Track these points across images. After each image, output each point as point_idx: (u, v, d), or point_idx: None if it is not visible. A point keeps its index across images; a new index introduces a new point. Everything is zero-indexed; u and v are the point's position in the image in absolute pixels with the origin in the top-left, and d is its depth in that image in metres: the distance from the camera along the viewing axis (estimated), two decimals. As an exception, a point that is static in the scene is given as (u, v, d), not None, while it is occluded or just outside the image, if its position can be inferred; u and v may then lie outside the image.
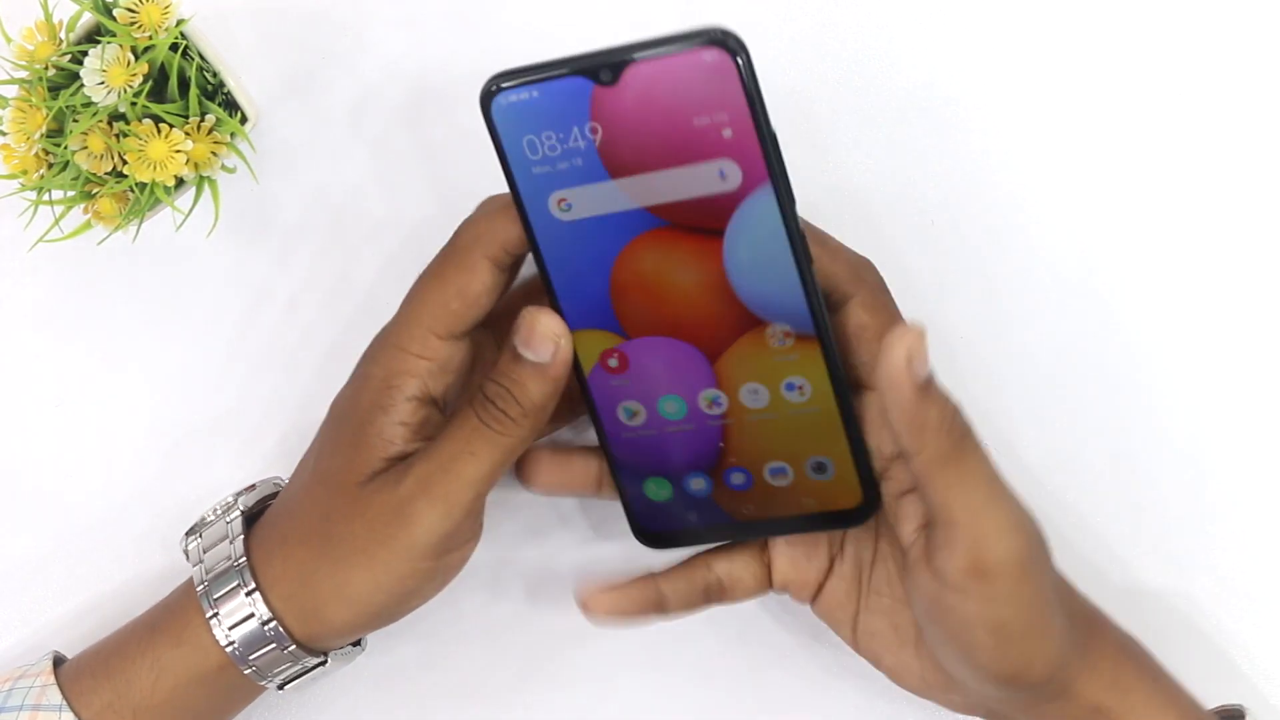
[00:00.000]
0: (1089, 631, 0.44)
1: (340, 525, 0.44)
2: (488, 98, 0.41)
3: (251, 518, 0.48)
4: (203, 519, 0.48)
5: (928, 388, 0.39)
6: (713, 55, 0.38)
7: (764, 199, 0.40)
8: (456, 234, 0.44)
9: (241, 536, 0.46)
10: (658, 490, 0.46)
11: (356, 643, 0.49)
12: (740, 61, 0.38)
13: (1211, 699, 0.45)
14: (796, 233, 0.41)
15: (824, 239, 0.44)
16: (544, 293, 0.43)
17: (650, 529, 0.47)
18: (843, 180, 0.51)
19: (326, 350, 0.52)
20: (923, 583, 0.42)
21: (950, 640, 0.42)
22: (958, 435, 0.40)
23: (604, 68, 0.39)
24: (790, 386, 0.43)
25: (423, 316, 0.44)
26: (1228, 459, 0.51)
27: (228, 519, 0.47)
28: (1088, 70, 0.51)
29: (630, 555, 0.52)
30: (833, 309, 0.43)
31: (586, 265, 0.42)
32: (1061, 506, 0.51)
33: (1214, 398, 0.51)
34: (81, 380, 0.53)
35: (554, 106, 0.40)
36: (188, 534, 0.48)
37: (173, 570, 0.52)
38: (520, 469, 0.47)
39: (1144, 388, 0.51)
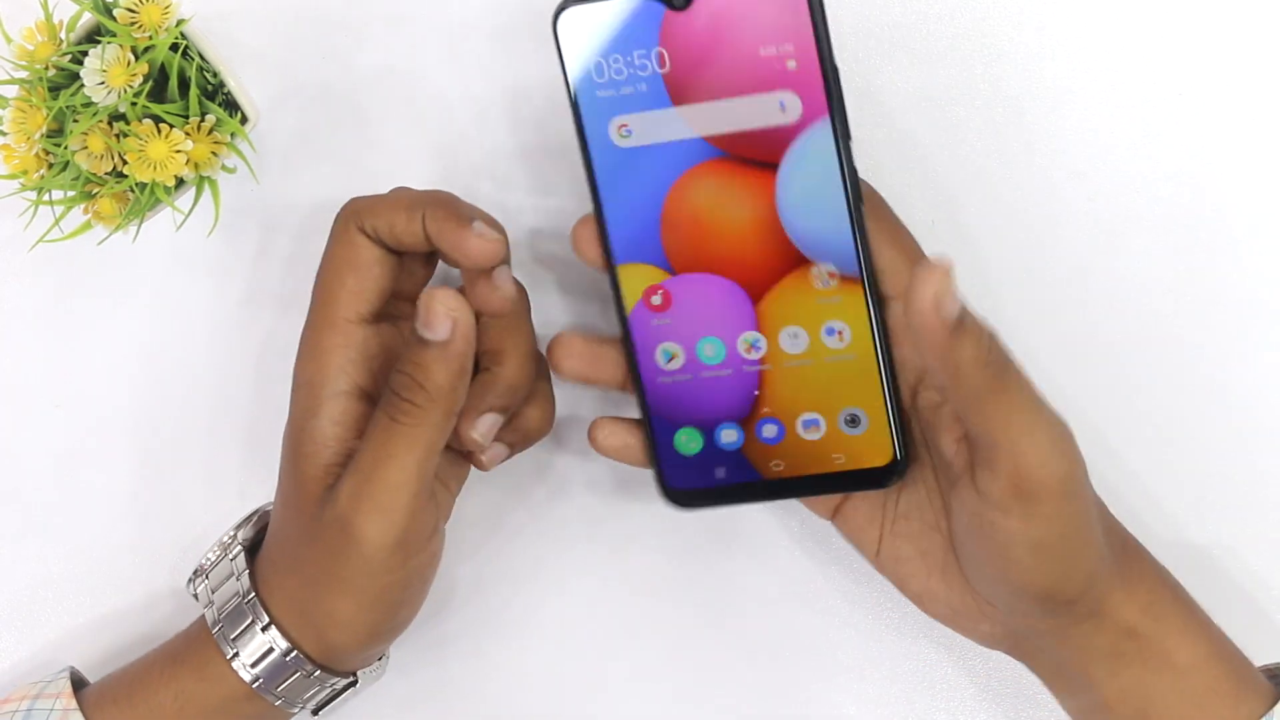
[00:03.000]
0: (1125, 556, 0.44)
1: (305, 551, 0.44)
2: (559, 15, 0.42)
3: (254, 548, 0.48)
4: (206, 561, 0.48)
5: (960, 326, 0.38)
6: None
7: (821, 133, 0.41)
8: (332, 224, 0.45)
9: (247, 572, 0.46)
10: (688, 443, 0.45)
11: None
12: None
13: (1253, 655, 0.45)
14: (850, 169, 0.42)
15: None
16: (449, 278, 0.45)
17: (677, 486, 0.46)
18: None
19: (327, 350, 0.52)
20: (966, 498, 0.42)
21: (989, 556, 0.42)
22: (996, 368, 0.39)
23: None
24: (830, 331, 0.43)
25: (325, 305, 0.44)
26: (1272, 413, 0.51)
27: (230, 555, 0.47)
28: (1089, 69, 0.51)
29: (653, 571, 0.52)
30: None
31: (640, 195, 0.43)
32: (1116, 465, 0.51)
33: (1254, 351, 0.51)
34: (81, 381, 0.53)
35: (624, 29, 0.41)
36: (193, 578, 0.48)
37: (174, 571, 0.52)
38: (551, 353, 0.46)
39: (1186, 350, 0.51)
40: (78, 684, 0.48)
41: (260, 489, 0.52)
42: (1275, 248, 0.51)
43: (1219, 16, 0.51)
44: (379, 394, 0.44)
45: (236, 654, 0.45)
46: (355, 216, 0.44)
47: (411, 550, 0.43)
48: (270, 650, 0.45)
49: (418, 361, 0.42)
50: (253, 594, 0.45)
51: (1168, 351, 0.51)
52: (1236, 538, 0.51)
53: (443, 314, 0.41)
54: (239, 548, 0.47)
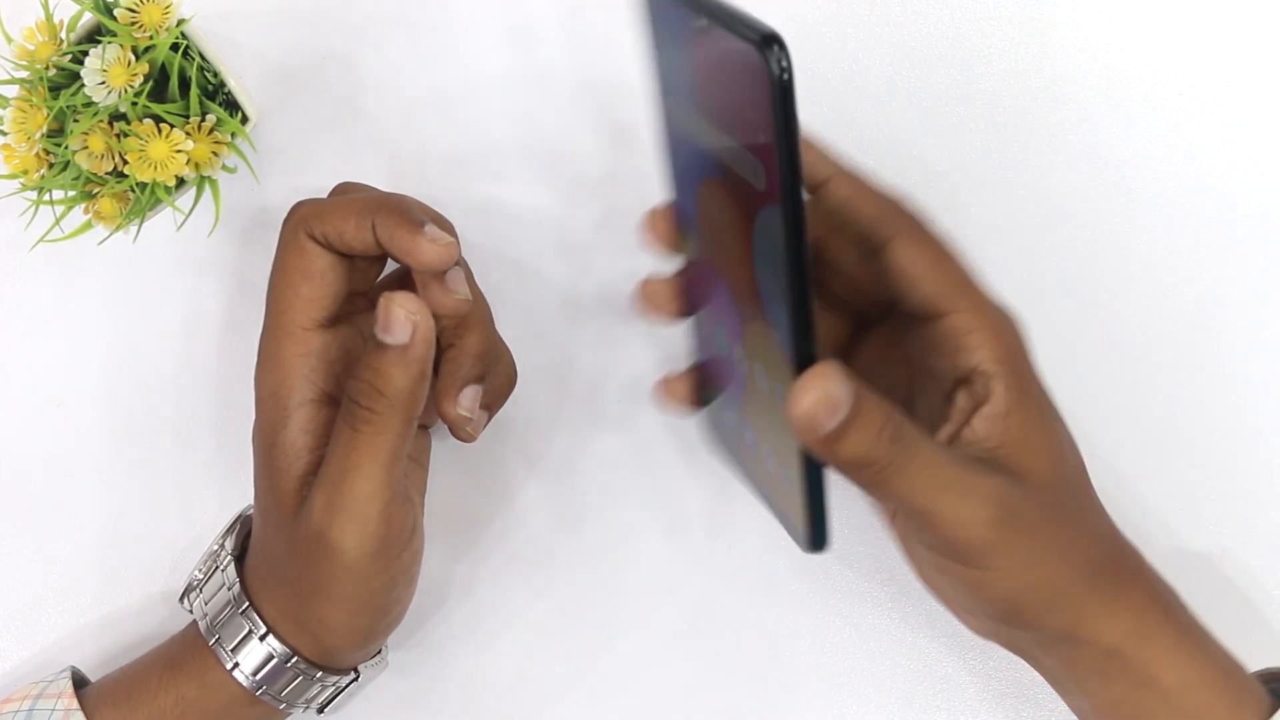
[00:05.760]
0: (1112, 576, 0.42)
1: (289, 567, 0.44)
2: None
3: (241, 553, 0.47)
4: (195, 578, 0.48)
5: (844, 429, 0.36)
6: (751, 56, 0.34)
7: (774, 218, 0.36)
8: (280, 231, 0.44)
9: (239, 583, 0.46)
10: (711, 400, 0.44)
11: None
12: (772, 74, 0.33)
13: (1254, 663, 0.45)
14: (798, 265, 0.36)
15: (854, 178, 0.41)
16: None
17: (706, 433, 0.45)
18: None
19: (327, 350, 0.52)
20: (914, 551, 0.43)
21: (944, 591, 0.43)
22: (895, 443, 0.37)
23: (702, 11, 0.36)
24: (780, 394, 0.39)
25: (282, 315, 0.44)
26: (1273, 419, 0.51)
27: (221, 566, 0.47)
28: (1088, 67, 0.51)
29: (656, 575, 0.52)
30: (872, 253, 0.41)
31: (686, 174, 0.41)
32: (1111, 471, 0.51)
33: (1258, 357, 0.51)
34: (82, 381, 0.53)
35: (672, 22, 0.38)
36: (185, 593, 0.48)
37: (174, 572, 0.52)
38: (641, 293, 0.44)
39: (1182, 353, 0.51)
40: (79, 683, 0.48)
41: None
42: (1272, 251, 0.51)
43: (1222, 16, 0.51)
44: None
45: (237, 664, 0.45)
46: (304, 223, 0.43)
47: (392, 554, 0.43)
48: (270, 657, 0.45)
49: (376, 367, 0.41)
50: (247, 603, 0.45)
51: (1164, 353, 0.51)
52: (1232, 541, 0.51)
53: (403, 318, 0.41)
54: (229, 558, 0.47)
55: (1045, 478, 0.40)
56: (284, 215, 0.51)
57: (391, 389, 0.41)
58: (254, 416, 0.45)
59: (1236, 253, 0.51)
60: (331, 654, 0.45)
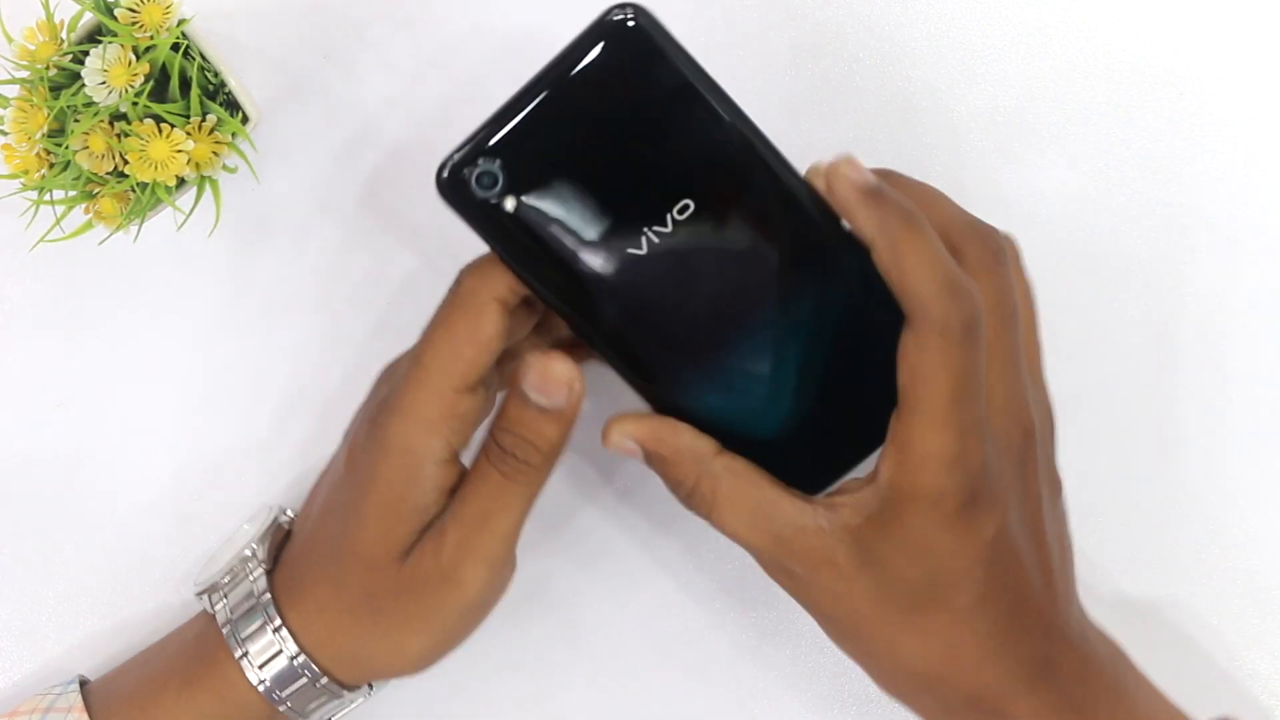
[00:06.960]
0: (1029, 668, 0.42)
1: (388, 601, 0.44)
2: None
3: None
4: (218, 582, 0.47)
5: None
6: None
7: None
8: (459, 280, 0.42)
9: (269, 595, 0.45)
10: None
11: None
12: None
13: (1206, 709, 0.45)
14: None
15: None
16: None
17: None
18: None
19: (327, 351, 0.52)
20: None
21: None
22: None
23: None
24: None
25: (436, 373, 0.42)
26: (1227, 465, 0.51)
27: (250, 575, 0.46)
28: (1085, 67, 0.51)
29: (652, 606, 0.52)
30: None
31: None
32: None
33: (1219, 401, 0.51)
34: (82, 382, 0.52)
35: None
36: (208, 592, 0.47)
37: (180, 575, 0.52)
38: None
39: (1145, 390, 0.51)
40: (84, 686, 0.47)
41: (265, 489, 0.52)
42: (1245, 282, 0.51)
43: (1221, 16, 0.51)
44: (462, 450, 0.44)
45: (263, 681, 0.45)
46: (492, 287, 0.42)
47: (501, 590, 0.45)
48: (298, 676, 0.45)
49: (534, 427, 0.42)
50: (280, 622, 0.45)
51: (1126, 402, 0.51)
52: (1186, 590, 0.51)
53: (562, 383, 0.41)
54: (260, 568, 0.46)
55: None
56: (282, 215, 0.51)
57: (547, 446, 0.42)
58: (361, 440, 0.44)
59: (1210, 282, 0.51)
60: (378, 675, 0.46)
